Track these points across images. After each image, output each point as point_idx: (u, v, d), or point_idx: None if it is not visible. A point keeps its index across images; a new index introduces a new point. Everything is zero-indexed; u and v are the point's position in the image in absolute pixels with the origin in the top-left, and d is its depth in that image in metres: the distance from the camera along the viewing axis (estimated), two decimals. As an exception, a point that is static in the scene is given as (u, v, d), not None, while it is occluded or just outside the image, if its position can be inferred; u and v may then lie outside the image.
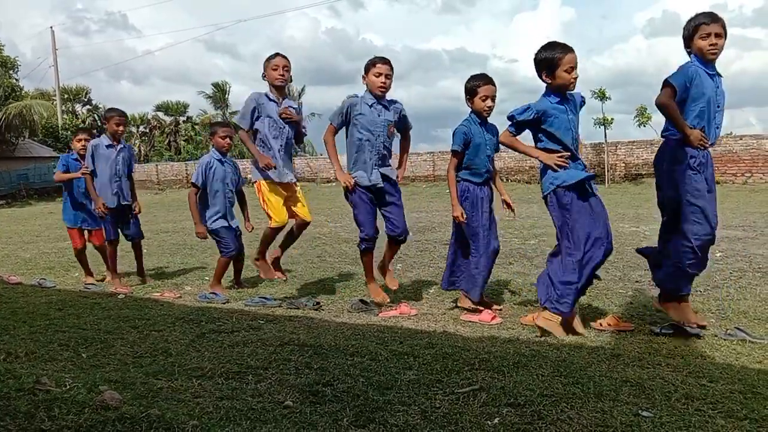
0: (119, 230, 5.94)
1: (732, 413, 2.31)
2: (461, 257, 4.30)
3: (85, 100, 44.07)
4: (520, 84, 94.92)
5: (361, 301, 4.51)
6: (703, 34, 3.33)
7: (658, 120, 22.10)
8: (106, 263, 6.10)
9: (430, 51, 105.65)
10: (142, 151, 44.27)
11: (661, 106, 3.33)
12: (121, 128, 5.82)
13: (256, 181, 4.63)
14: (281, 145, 4.59)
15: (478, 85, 4.07)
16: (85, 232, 6.28)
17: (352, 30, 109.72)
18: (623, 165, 20.92)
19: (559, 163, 3.53)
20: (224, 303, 4.87)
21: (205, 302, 4.94)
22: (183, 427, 2.04)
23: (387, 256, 4.55)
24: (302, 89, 46.06)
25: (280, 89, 4.62)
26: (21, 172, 29.36)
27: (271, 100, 4.56)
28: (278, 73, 4.52)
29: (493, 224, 4.26)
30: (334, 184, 23.67)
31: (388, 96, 4.32)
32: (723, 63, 3.49)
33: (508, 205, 4.31)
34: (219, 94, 45.58)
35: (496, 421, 2.24)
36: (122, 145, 5.87)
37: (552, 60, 3.47)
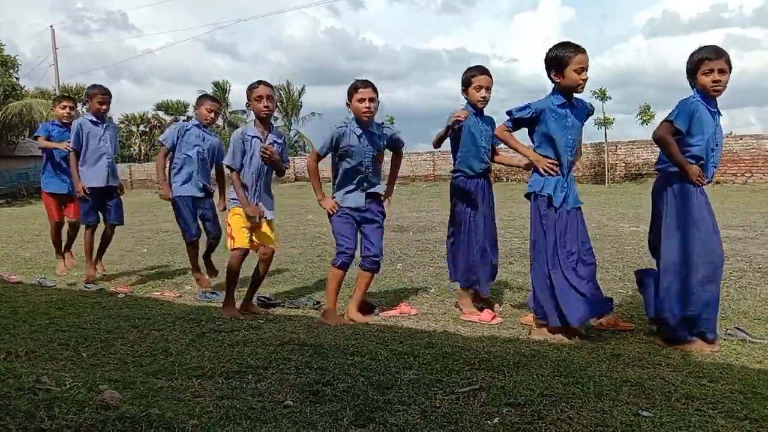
0: (99, 214, 5.70)
1: (732, 413, 2.31)
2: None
3: (85, 99, 44.09)
4: (519, 84, 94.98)
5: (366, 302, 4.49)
6: (706, 69, 3.21)
7: (661, 118, 22.08)
8: (69, 241, 6.06)
9: (430, 51, 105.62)
10: (143, 150, 44.25)
11: (658, 140, 3.25)
12: (104, 107, 5.60)
13: (230, 210, 4.40)
14: (260, 184, 4.36)
15: (473, 75, 4.03)
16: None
17: (352, 30, 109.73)
18: (623, 165, 20.93)
19: (547, 168, 3.48)
20: (224, 302, 4.86)
21: (205, 301, 4.94)
22: (183, 427, 2.04)
23: (360, 287, 4.16)
24: (302, 89, 46.13)
25: (266, 121, 4.36)
26: (21, 171, 29.36)
27: (253, 136, 4.32)
28: (263, 104, 4.25)
29: (487, 222, 4.17)
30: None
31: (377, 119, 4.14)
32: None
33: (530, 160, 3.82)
34: (219, 93, 45.60)
35: (496, 420, 2.24)
36: (107, 123, 5.70)
37: (562, 58, 3.40)
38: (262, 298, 4.78)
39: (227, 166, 4.39)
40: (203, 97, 5.35)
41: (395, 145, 4.33)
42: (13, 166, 29.83)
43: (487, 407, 2.36)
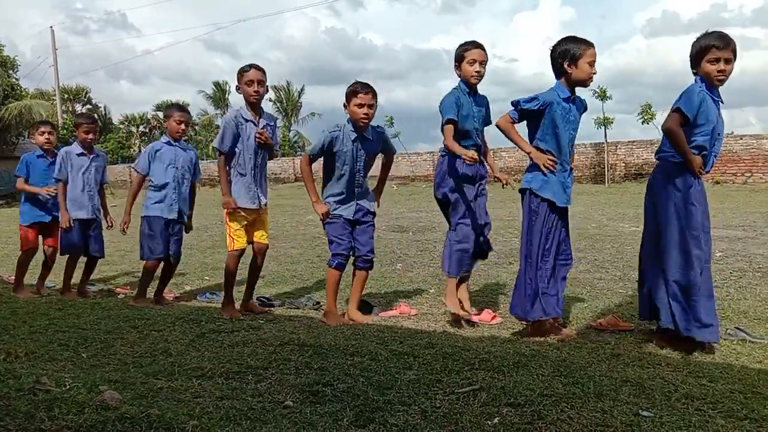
0: (81, 245, 5.34)
1: (732, 413, 2.31)
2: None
3: (85, 100, 44.08)
4: (519, 84, 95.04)
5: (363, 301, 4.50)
6: (712, 58, 3.15)
7: (661, 119, 22.10)
8: (45, 272, 5.63)
9: (430, 51, 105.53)
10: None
11: (668, 132, 3.22)
12: (90, 136, 5.30)
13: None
14: (257, 168, 4.33)
15: (466, 49, 3.78)
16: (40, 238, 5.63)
17: (352, 30, 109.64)
18: (623, 165, 20.93)
19: (548, 165, 3.44)
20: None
21: (205, 302, 4.94)
22: (183, 427, 2.04)
23: (356, 287, 4.19)
24: (302, 89, 46.19)
25: (255, 106, 4.29)
26: (21, 171, 29.28)
27: (247, 120, 4.26)
28: (253, 89, 4.18)
29: (482, 202, 4.01)
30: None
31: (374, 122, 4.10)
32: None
33: (501, 179, 3.97)
34: (219, 93, 45.61)
35: (496, 421, 2.23)
36: (95, 154, 5.40)
37: (577, 50, 3.40)
38: (262, 299, 4.79)
39: (215, 149, 4.33)
40: (171, 108, 4.96)
41: (387, 150, 4.31)
42: (13, 166, 29.42)
43: (487, 407, 2.36)
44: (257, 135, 4.23)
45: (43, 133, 5.54)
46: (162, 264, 4.90)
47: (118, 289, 5.70)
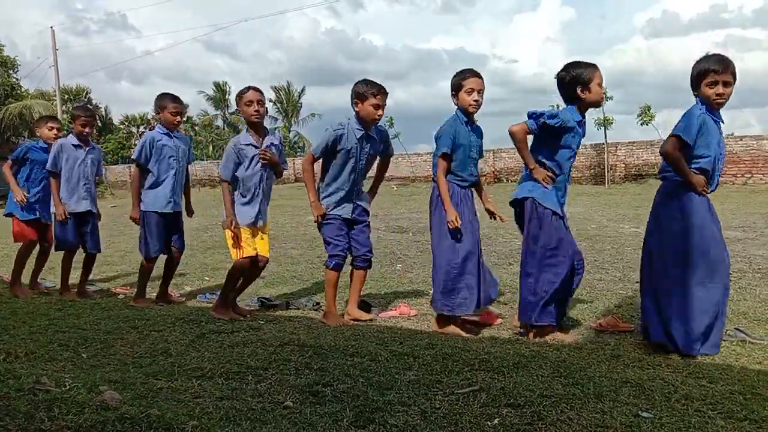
0: (77, 239, 5.27)
1: (732, 414, 2.32)
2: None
3: (85, 100, 44.07)
4: (519, 84, 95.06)
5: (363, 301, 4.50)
6: (710, 81, 3.15)
7: (661, 120, 22.11)
8: (38, 268, 5.58)
9: (430, 51, 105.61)
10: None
11: (666, 156, 3.22)
12: (87, 129, 5.21)
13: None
14: (262, 189, 4.32)
15: (463, 77, 3.73)
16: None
17: (352, 30, 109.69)
18: (623, 165, 20.94)
19: (547, 180, 3.49)
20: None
21: (206, 302, 4.94)
22: (183, 428, 2.04)
23: (355, 286, 4.23)
24: (302, 89, 46.20)
25: (257, 126, 4.30)
26: (21, 172, 29.29)
27: (249, 144, 4.25)
28: (253, 109, 4.20)
29: (476, 233, 3.92)
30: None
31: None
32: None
33: (492, 214, 4.03)
34: (219, 94, 45.62)
35: (495, 421, 2.24)
36: (91, 146, 5.34)
37: (586, 74, 3.44)
38: (263, 299, 4.79)
39: (221, 178, 4.34)
40: (164, 99, 4.72)
41: (386, 151, 4.33)
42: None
43: (487, 408, 2.36)
44: (261, 154, 4.23)
45: (52, 128, 5.50)
46: (164, 261, 4.90)
47: (118, 289, 5.70)
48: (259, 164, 4.25)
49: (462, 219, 3.75)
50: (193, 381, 2.67)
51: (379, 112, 3.98)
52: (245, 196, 4.28)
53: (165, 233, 4.75)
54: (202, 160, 35.54)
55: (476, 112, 3.81)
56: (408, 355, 3.07)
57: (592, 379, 2.69)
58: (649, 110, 19.48)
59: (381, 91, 3.97)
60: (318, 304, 4.65)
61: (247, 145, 4.25)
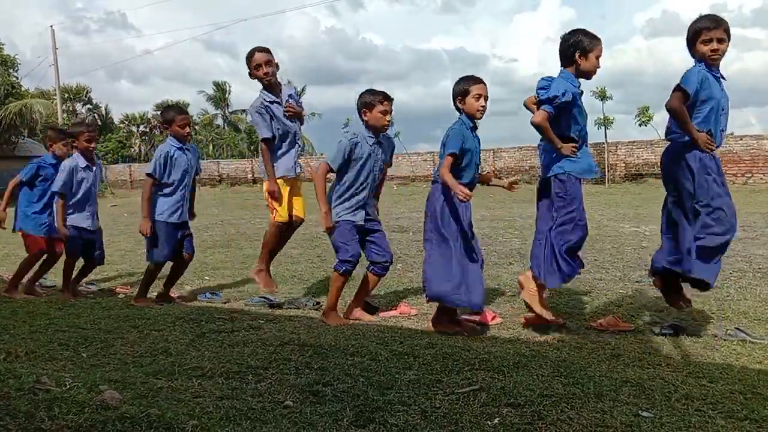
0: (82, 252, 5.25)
1: (732, 414, 2.32)
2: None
3: (86, 99, 44.10)
4: (519, 84, 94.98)
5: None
6: (704, 39, 3.31)
7: (659, 120, 22.13)
8: (41, 271, 5.52)
9: (429, 51, 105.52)
10: (143, 151, 44.27)
11: (672, 110, 3.33)
12: (93, 144, 5.14)
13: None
14: (294, 142, 4.62)
15: (470, 83, 3.73)
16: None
17: (352, 30, 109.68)
18: (623, 165, 20.93)
19: (574, 151, 3.64)
20: (224, 303, 4.87)
21: (206, 302, 4.94)
22: (183, 427, 2.04)
23: (367, 289, 4.22)
24: (302, 89, 46.14)
25: (273, 84, 4.54)
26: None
27: (273, 102, 4.51)
28: (263, 71, 4.45)
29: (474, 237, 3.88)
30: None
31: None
32: (723, 63, 3.46)
33: (512, 185, 4.00)
34: (219, 93, 45.61)
35: (496, 421, 2.24)
36: (96, 164, 5.31)
37: (589, 43, 3.56)
38: (264, 299, 4.79)
39: (263, 140, 4.52)
40: (170, 112, 4.78)
41: (390, 157, 4.36)
42: (13, 166, 29.65)
43: (487, 408, 2.36)
44: (286, 109, 4.50)
45: (66, 144, 5.31)
46: (172, 263, 4.91)
47: (118, 289, 5.70)
48: (286, 120, 4.51)
49: (462, 220, 3.73)
50: (193, 380, 2.67)
51: (387, 117, 4.07)
52: (280, 148, 4.56)
53: (173, 241, 4.77)
54: (202, 159, 35.47)
55: (482, 117, 3.81)
56: (408, 354, 3.07)
57: (592, 378, 2.69)
58: (647, 110, 19.52)
59: (387, 98, 4.07)
60: (318, 303, 4.65)
61: (272, 102, 4.52)
